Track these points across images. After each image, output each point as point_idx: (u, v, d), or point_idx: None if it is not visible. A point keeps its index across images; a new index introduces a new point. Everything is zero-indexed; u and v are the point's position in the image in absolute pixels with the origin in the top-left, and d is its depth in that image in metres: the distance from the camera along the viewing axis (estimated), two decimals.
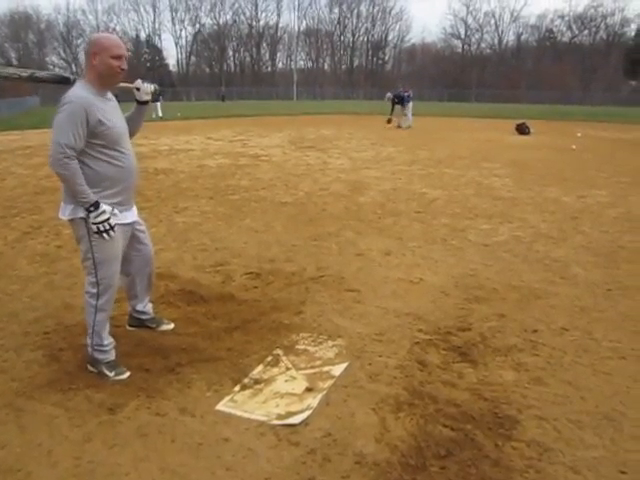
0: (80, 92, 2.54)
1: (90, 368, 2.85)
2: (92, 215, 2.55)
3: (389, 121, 21.11)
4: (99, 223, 2.57)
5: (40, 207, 6.68)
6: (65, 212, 2.66)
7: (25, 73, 2.80)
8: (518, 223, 5.99)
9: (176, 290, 3.94)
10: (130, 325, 3.33)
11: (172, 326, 3.35)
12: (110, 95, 2.73)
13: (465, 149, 13.29)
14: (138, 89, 2.94)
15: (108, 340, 2.86)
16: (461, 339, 3.21)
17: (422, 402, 2.56)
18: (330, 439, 2.29)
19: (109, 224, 2.60)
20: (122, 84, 2.81)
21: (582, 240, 5.33)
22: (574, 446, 2.25)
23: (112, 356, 2.86)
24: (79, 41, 73.30)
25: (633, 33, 70.06)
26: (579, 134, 17.26)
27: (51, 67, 71.35)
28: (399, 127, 20.60)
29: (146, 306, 3.29)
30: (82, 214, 2.59)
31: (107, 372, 2.80)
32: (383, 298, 3.83)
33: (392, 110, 21.11)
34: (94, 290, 2.74)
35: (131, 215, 2.88)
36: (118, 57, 2.61)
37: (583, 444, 2.26)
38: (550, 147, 13.91)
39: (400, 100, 21.03)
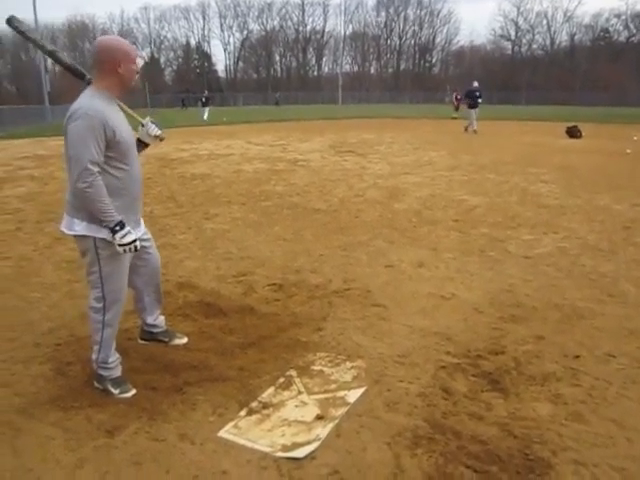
0: (94, 103, 2.41)
1: (96, 384, 2.73)
2: (118, 235, 2.42)
3: (467, 128, 19.50)
4: (125, 245, 2.45)
5: None
6: (74, 227, 2.50)
7: (49, 47, 2.72)
8: (564, 233, 5.59)
9: (195, 302, 3.81)
10: (142, 339, 3.21)
11: (185, 340, 3.22)
12: (117, 105, 2.61)
13: (511, 153, 12.77)
14: (143, 125, 2.82)
15: (114, 357, 2.73)
16: (493, 364, 2.93)
17: (443, 437, 2.31)
18: (337, 477, 2.08)
19: (135, 246, 2.48)
20: (129, 110, 2.70)
21: (634, 253, 4.90)
22: None
23: (118, 372, 2.74)
24: None
25: None
26: (635, 137, 16.34)
27: None
28: (475, 132, 19.06)
29: (157, 319, 3.16)
30: (101, 234, 2.46)
31: (112, 389, 2.68)
32: (410, 315, 3.58)
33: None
34: (99, 305, 2.62)
35: (140, 228, 2.76)
36: (135, 62, 2.53)
37: None
38: (602, 151, 13.20)
39: (473, 99, 19.38)
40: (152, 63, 75.51)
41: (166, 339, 3.18)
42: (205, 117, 27.79)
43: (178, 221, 6.08)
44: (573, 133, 17.26)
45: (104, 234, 2.45)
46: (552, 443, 2.27)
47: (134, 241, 2.46)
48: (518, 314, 3.60)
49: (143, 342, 3.20)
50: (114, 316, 2.68)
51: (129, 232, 2.44)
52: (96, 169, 2.34)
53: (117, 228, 2.40)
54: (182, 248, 5.14)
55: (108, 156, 2.42)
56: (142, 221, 2.83)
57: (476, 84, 19.92)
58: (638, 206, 6.88)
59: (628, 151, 12.89)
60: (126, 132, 2.54)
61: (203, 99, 30.63)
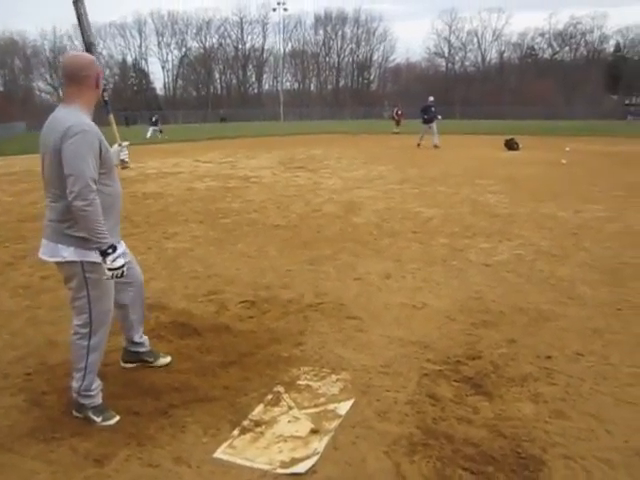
0: (85, 119, 2.36)
1: (75, 413, 2.62)
2: (109, 259, 2.33)
3: (419, 144, 19.46)
4: (115, 270, 2.36)
5: (24, 235, 6.43)
6: (60, 253, 2.40)
7: None
8: (518, 241, 5.85)
9: (167, 322, 3.73)
10: (125, 361, 3.11)
11: (169, 359, 3.15)
12: None
13: (456, 166, 13.23)
14: (120, 145, 2.82)
15: (96, 384, 2.64)
16: (472, 369, 3.03)
17: (437, 442, 2.36)
18: None
19: (123, 271, 2.40)
20: (114, 127, 2.68)
21: (585, 257, 5.19)
22: None
23: (99, 400, 2.64)
24: None
25: (612, 49, 71.58)
26: (568, 148, 17.30)
27: (38, 93, 71.32)
28: (436, 146, 18.94)
29: (142, 337, 3.08)
30: (90, 258, 2.38)
31: (94, 417, 2.58)
32: (386, 326, 3.64)
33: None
34: (85, 330, 2.52)
35: (121, 245, 2.69)
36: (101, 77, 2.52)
37: None
38: (540, 162, 13.90)
39: (429, 114, 19.27)
40: None
41: (151, 359, 3.11)
42: (148, 135, 27.51)
43: (136, 241, 5.91)
44: (511, 146, 18.07)
45: (93, 257, 2.37)
46: (540, 440, 2.36)
47: (123, 265, 2.39)
48: (488, 319, 3.73)
49: (127, 365, 3.10)
50: (100, 340, 2.59)
51: (119, 256, 2.37)
52: (95, 187, 2.28)
53: (109, 251, 2.33)
54: (145, 269, 4.95)
55: (100, 173, 2.37)
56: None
57: (432, 99, 19.98)
58: (581, 212, 7.29)
59: (564, 161, 13.63)
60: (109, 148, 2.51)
61: (153, 119, 30.29)
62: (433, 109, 19.63)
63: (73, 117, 2.33)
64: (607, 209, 7.54)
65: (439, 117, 20.00)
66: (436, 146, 19.07)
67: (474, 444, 2.35)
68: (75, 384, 2.59)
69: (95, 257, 2.36)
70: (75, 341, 2.55)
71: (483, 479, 2.13)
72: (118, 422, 2.57)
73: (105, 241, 2.32)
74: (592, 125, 35.71)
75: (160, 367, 3.10)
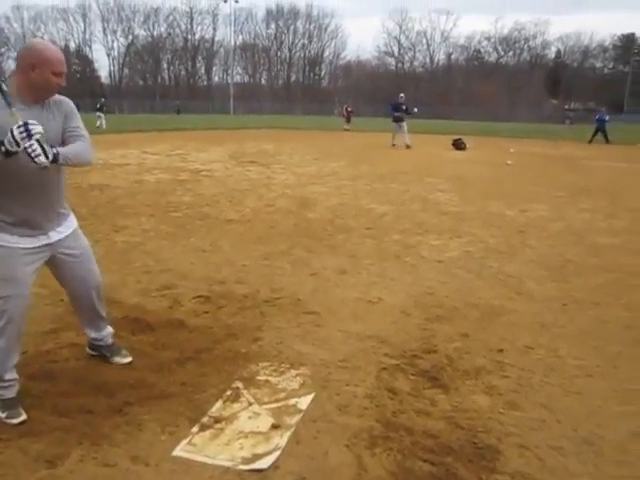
0: None
1: None
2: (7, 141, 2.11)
3: (394, 144, 18.63)
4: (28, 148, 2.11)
5: None
6: None
7: None
8: (467, 238, 6.02)
9: (119, 318, 3.60)
10: (89, 347, 3.06)
11: (129, 360, 3.03)
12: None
13: (406, 164, 13.46)
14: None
15: (10, 375, 2.51)
16: (428, 362, 3.09)
17: (397, 435, 2.40)
18: None
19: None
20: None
21: (531, 254, 5.40)
22: (559, 476, 2.15)
23: (11, 394, 2.51)
24: (3, 49, 69.83)
25: (553, 55, 74.69)
26: (512, 150, 17.93)
27: None
28: (408, 146, 18.05)
29: (102, 332, 2.99)
30: None
31: (2, 414, 2.46)
32: (343, 320, 3.66)
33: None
34: None
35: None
36: (60, 74, 2.37)
37: (568, 473, 2.17)
38: (487, 162, 14.34)
39: (399, 112, 18.28)
40: None
41: (108, 354, 3.01)
42: (99, 123, 26.41)
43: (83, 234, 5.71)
44: (459, 145, 18.56)
45: None
46: (496, 431, 2.44)
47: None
48: (442, 314, 3.82)
49: (92, 352, 3.05)
50: (4, 328, 2.43)
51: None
52: None
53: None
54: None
55: None
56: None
57: (402, 96, 19.18)
58: (526, 212, 7.57)
59: (509, 162, 14.11)
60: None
61: (98, 105, 28.59)
62: (404, 107, 18.75)
63: None
64: (550, 209, 7.87)
65: (415, 110, 19.00)
66: (408, 146, 18.18)
67: (433, 436, 2.40)
68: None
69: None
70: None
71: (442, 470, 2.18)
72: (70, 420, 2.47)
73: None
74: (533, 128, 37.17)
75: (110, 364, 3.00)
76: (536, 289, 4.37)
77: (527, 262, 5.13)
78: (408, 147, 18.14)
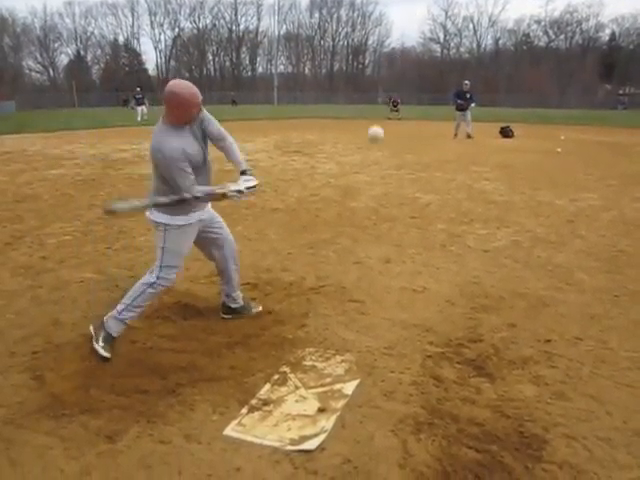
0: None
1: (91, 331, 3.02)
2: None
3: (456, 134, 17.53)
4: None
5: (21, 216, 6.39)
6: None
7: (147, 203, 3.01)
8: (515, 227, 5.91)
9: (171, 303, 3.75)
10: (223, 312, 3.56)
11: (260, 309, 3.64)
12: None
13: (451, 152, 13.26)
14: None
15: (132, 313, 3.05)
16: (474, 351, 3.08)
17: (442, 422, 2.42)
18: (350, 466, 2.14)
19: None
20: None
21: (581, 245, 5.26)
22: (608, 467, 2.13)
23: (115, 332, 3.01)
24: (56, 45, 72.21)
25: (607, 38, 71.51)
26: (562, 137, 17.36)
27: (27, 72, 70.10)
28: (469, 136, 17.06)
29: (235, 293, 3.54)
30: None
31: (100, 342, 2.95)
32: (388, 309, 3.69)
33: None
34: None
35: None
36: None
37: (617, 464, 2.14)
38: (535, 150, 13.95)
39: (463, 100, 17.03)
40: (78, 60, 72.43)
41: (245, 312, 3.56)
42: (139, 119, 26.40)
43: (135, 223, 5.92)
44: (506, 133, 18.11)
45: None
46: (542, 420, 2.43)
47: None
48: (488, 304, 3.79)
49: (226, 316, 3.54)
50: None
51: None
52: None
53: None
54: (146, 250, 5.02)
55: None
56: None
57: (467, 83, 17.81)
58: (576, 201, 7.35)
59: (559, 150, 13.68)
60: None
61: (136, 97, 28.15)
62: (468, 95, 17.35)
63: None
64: (602, 197, 7.61)
65: (473, 104, 17.58)
66: (469, 136, 17.14)
67: (478, 424, 2.41)
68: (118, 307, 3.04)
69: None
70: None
71: (488, 457, 2.19)
72: (127, 399, 2.61)
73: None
74: (585, 114, 35.81)
75: (168, 348, 3.13)
76: (586, 280, 4.26)
77: (577, 252, 5.00)
78: (469, 137, 17.16)
